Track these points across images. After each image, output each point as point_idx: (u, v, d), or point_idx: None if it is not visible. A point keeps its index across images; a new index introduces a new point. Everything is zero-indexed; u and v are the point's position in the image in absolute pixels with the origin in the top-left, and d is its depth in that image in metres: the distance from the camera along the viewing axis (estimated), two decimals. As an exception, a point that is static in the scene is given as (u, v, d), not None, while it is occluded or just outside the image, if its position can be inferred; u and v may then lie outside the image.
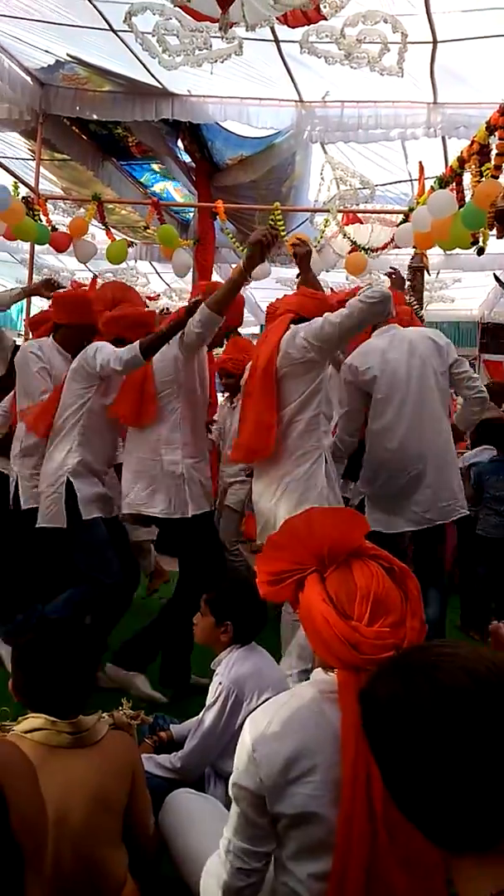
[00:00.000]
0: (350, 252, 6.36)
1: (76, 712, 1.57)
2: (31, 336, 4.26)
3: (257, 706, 2.15)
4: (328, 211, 6.07)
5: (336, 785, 1.27)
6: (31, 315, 4.56)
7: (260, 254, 3.06)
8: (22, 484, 3.56)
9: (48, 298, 4.20)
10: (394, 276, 4.55)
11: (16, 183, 5.72)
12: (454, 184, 4.68)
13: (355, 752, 1.26)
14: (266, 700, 2.15)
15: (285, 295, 3.54)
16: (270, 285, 8.72)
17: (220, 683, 2.27)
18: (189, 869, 1.71)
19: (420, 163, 5.70)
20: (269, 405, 3.05)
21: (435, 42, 4.96)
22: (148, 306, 5.02)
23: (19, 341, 4.95)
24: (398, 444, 3.30)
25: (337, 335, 2.99)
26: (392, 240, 6.28)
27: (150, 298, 9.63)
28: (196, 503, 3.21)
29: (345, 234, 6.35)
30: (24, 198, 5.73)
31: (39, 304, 6.78)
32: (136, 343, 3.12)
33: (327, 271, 7.19)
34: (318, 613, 1.36)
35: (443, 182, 4.84)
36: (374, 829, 1.23)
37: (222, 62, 4.86)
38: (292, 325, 3.13)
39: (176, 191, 8.03)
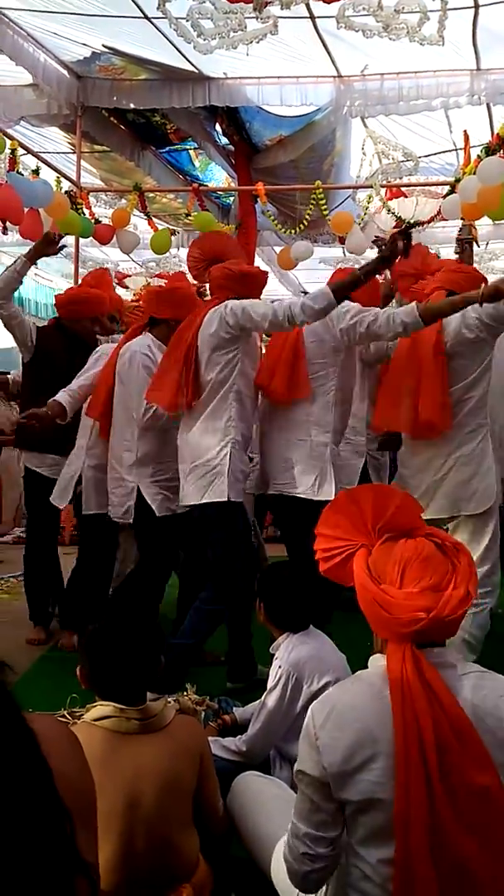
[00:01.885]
0: (395, 227, 6.26)
1: (144, 699, 1.60)
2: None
3: (318, 689, 2.19)
4: (371, 187, 5.99)
5: (399, 770, 1.27)
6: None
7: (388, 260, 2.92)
8: (147, 492, 3.32)
9: (54, 254, 4.03)
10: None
11: (58, 178, 5.78)
12: (502, 151, 4.55)
13: (403, 722, 1.27)
14: (326, 683, 2.20)
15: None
16: (314, 265, 8.64)
17: (279, 667, 2.29)
18: (259, 850, 1.73)
19: (465, 131, 5.56)
20: (444, 384, 2.98)
21: (477, 6, 4.82)
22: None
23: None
24: None
25: None
26: (438, 212, 6.15)
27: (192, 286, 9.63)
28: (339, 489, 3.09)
29: (389, 210, 6.24)
30: (66, 192, 5.79)
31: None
32: (326, 289, 2.88)
33: (371, 248, 7.09)
34: (359, 584, 1.40)
35: (490, 150, 4.71)
36: (434, 802, 1.23)
37: (258, 42, 4.80)
38: None
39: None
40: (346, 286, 2.89)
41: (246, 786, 1.93)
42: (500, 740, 1.29)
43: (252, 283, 3.22)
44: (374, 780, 1.28)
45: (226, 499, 3.01)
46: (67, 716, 1.82)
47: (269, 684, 2.29)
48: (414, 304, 2.95)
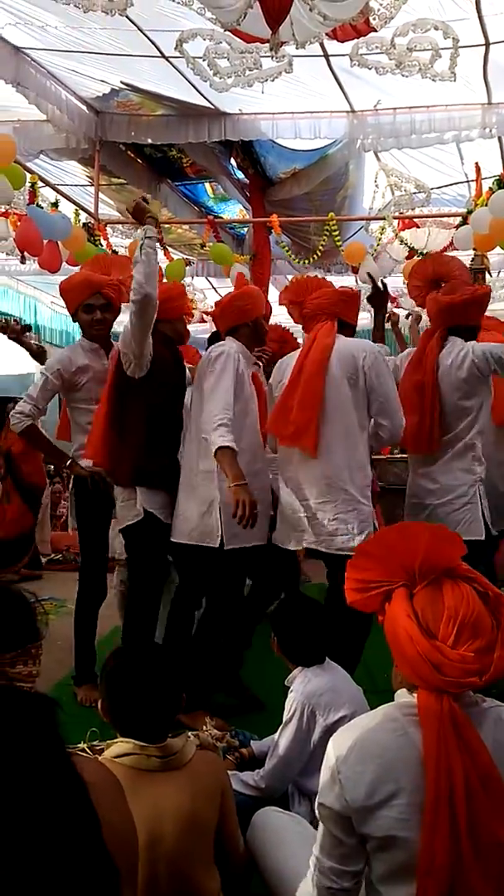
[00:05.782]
0: (407, 257, 6.32)
1: (165, 736, 1.60)
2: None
3: (333, 722, 2.18)
4: (384, 218, 6.06)
5: (422, 808, 1.27)
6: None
7: None
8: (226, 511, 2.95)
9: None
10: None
11: (77, 211, 5.89)
12: (513, 184, 4.62)
13: (436, 773, 1.25)
14: (342, 717, 2.20)
15: None
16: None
17: (294, 700, 2.29)
18: (280, 888, 1.72)
19: (476, 164, 5.64)
20: None
21: (487, 44, 4.90)
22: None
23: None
24: None
25: None
26: (451, 242, 6.22)
27: (206, 314, 9.71)
28: None
29: (401, 240, 6.31)
30: (84, 224, 5.90)
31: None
32: None
33: (385, 278, 7.15)
34: (402, 629, 1.35)
35: (501, 182, 4.78)
36: (459, 850, 1.23)
37: (273, 80, 4.91)
38: None
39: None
40: None
41: (266, 822, 1.93)
42: None
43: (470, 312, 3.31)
44: (396, 816, 1.28)
45: (482, 537, 3.10)
46: (87, 750, 1.82)
47: (285, 718, 2.29)
48: None
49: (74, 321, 3.58)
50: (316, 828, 1.43)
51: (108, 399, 3.24)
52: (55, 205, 5.40)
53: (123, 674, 1.64)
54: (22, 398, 3.52)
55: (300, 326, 3.27)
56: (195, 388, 3.22)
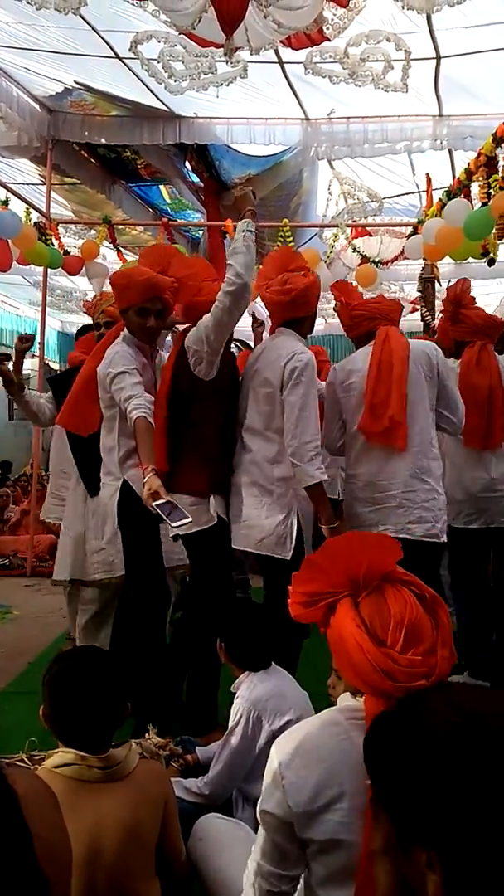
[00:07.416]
0: (360, 265, 6.40)
1: (107, 746, 1.57)
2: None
3: (279, 727, 2.18)
4: (337, 226, 6.12)
5: (363, 811, 1.28)
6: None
7: None
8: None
9: (28, 348, 3.67)
10: None
11: (28, 209, 5.80)
12: (462, 195, 4.70)
13: None
14: (287, 721, 2.20)
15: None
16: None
17: (240, 706, 2.28)
18: (221, 894, 1.72)
19: (427, 174, 5.73)
20: None
21: (438, 57, 5.00)
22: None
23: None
24: None
25: None
26: (402, 251, 6.31)
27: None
28: None
29: (354, 248, 6.38)
30: (35, 223, 5.82)
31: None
32: None
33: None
34: (350, 638, 1.34)
35: (451, 194, 4.86)
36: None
37: (228, 85, 4.92)
38: None
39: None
40: None
41: (208, 828, 1.91)
42: None
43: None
44: (339, 820, 1.28)
45: None
46: (26, 760, 1.78)
47: (231, 723, 2.28)
48: None
49: (121, 314, 3.21)
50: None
51: (169, 404, 2.99)
52: (5, 202, 5.30)
53: (66, 680, 1.60)
54: (132, 395, 2.93)
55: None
56: (256, 384, 3.04)
